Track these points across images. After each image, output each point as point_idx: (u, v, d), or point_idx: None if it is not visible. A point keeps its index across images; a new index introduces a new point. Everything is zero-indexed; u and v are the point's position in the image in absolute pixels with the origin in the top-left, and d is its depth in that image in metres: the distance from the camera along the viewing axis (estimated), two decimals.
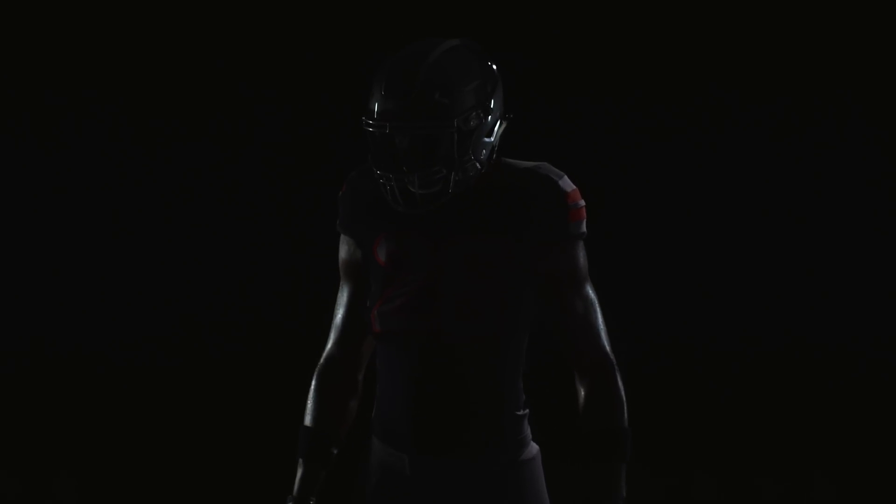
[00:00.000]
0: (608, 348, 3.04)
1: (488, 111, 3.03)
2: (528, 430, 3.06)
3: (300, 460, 3.08)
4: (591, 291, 3.06)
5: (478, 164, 3.02)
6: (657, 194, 5.09)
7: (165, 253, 5.10)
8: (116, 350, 5.14)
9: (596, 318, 3.05)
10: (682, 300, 5.24)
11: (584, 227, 3.07)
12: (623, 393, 3.01)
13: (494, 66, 3.08)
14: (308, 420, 3.10)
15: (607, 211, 5.00)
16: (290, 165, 5.07)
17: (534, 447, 3.07)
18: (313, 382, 3.13)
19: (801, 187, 5.11)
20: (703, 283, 5.19)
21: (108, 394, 5.19)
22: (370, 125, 3.00)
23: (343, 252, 3.19)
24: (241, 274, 5.14)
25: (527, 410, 3.05)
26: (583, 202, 3.08)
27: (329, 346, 3.15)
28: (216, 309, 5.13)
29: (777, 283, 5.16)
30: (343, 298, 3.18)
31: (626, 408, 3.01)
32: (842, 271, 5.22)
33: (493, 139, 3.05)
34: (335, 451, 3.09)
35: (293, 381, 4.26)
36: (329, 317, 3.21)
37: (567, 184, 3.06)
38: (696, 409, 5.31)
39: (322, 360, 3.14)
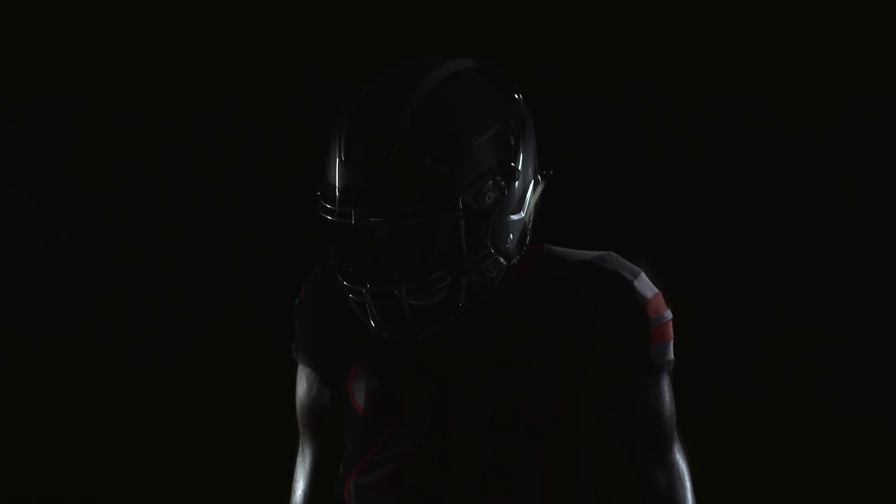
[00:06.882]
0: None
1: (513, 174, 1.98)
2: None
3: None
4: (679, 456, 2.08)
5: (502, 259, 2.00)
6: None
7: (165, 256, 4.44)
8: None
9: (685, 497, 2.06)
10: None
11: (671, 354, 2.05)
12: None
13: (520, 97, 2.03)
14: None
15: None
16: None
17: None
18: None
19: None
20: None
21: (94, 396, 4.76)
22: (328, 210, 1.95)
23: (301, 391, 2.23)
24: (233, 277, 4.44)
25: None
26: (669, 314, 2.05)
27: None
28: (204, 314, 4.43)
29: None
30: (304, 463, 2.24)
31: None
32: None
33: (524, 214, 2.01)
34: None
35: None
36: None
37: (646, 286, 2.04)
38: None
39: None
